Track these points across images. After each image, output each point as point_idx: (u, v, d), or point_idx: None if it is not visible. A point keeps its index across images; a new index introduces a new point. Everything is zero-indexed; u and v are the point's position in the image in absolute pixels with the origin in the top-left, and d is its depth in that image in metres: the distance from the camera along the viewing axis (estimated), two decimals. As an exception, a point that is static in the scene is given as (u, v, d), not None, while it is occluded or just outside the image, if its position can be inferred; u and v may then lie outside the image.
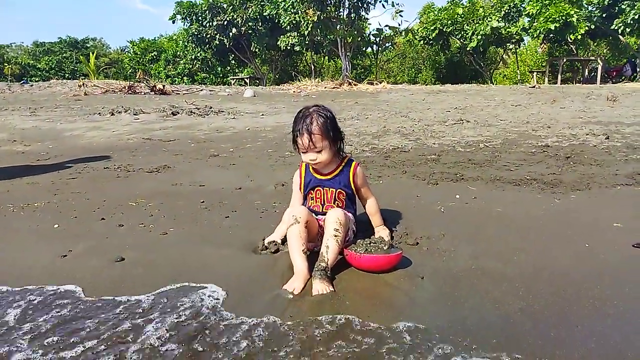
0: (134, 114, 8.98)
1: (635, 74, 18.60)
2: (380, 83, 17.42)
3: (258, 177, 4.09)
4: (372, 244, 2.02)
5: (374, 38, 21.04)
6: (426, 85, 21.59)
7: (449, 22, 22.03)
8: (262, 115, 9.63)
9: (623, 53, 22.53)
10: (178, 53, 31.15)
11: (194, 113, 9.19)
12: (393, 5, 18.16)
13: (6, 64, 47.80)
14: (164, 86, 15.33)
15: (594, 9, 19.27)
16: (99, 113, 9.38)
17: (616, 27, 17.75)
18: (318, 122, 2.15)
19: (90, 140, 6.67)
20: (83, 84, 15.00)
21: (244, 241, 2.38)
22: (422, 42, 24.10)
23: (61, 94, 14.89)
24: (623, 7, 17.38)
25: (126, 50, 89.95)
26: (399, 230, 2.50)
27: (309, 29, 16.23)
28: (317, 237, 2.18)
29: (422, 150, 5.44)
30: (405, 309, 1.67)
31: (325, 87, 17.18)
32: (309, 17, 15.89)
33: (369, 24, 21.25)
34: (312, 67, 23.76)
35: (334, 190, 2.27)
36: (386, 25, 21.17)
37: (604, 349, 1.40)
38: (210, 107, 10.40)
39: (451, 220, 2.67)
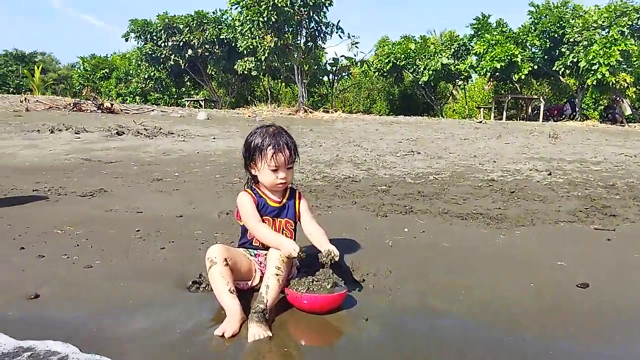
0: (76, 133, 8.51)
1: (574, 113, 19.89)
2: (336, 112, 17.64)
3: (202, 204, 3.90)
4: (314, 282, 1.89)
5: (330, 67, 21.41)
6: (380, 115, 22.10)
7: (403, 56, 22.84)
8: (214, 138, 9.42)
9: (564, 93, 24.10)
10: (130, 71, 30.34)
11: (141, 134, 8.83)
12: (349, 37, 18.60)
13: None
14: (112, 104, 14.76)
15: (537, 50, 20.59)
16: (38, 130, 8.83)
17: (557, 69, 19.01)
18: (292, 138, 2.11)
19: (23, 160, 6.20)
20: (25, 99, 14.17)
21: (178, 276, 2.19)
22: (377, 73, 24.83)
23: (0, 109, 14.00)
24: (563, 50, 18.69)
25: (76, 66, 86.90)
26: (346, 265, 2.39)
27: (266, 54, 16.26)
28: (252, 273, 2.03)
29: (373, 181, 5.43)
30: (348, 357, 1.55)
31: (281, 113, 17.17)
32: (266, 43, 15.94)
33: (326, 52, 21.64)
34: (269, 93, 23.77)
35: (282, 220, 2.14)
36: (342, 56, 21.67)
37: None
38: (160, 129, 10.06)
39: (399, 255, 2.60)
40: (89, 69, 34.11)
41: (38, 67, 22.26)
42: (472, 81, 25.81)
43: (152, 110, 15.60)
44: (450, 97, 27.47)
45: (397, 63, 22.98)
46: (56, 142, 7.67)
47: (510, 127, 14.96)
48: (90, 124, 10.19)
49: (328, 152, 7.83)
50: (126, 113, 14.61)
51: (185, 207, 3.75)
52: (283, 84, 24.91)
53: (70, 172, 5.28)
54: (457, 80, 23.82)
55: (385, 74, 24.01)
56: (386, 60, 22.97)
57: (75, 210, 3.49)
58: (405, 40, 23.70)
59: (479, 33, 20.86)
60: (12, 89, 52.79)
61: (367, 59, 22.30)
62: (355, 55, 20.57)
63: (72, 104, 14.66)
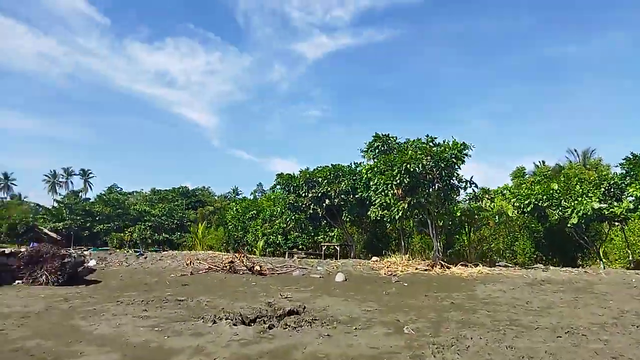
0: (233, 324, 9.39)
1: None
2: (476, 267, 16.89)
3: None
4: None
5: (464, 219, 21.12)
6: (525, 260, 20.51)
7: (544, 197, 21.60)
8: (356, 329, 9.52)
9: None
10: (275, 213, 33.60)
11: (289, 326, 9.38)
12: (484, 192, 18.43)
13: (126, 230, 54.53)
14: (260, 267, 16.24)
15: None
16: (202, 318, 9.96)
17: None
18: None
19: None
20: (191, 262, 16.40)
21: None
22: (516, 211, 23.64)
23: (170, 271, 16.28)
24: None
25: (228, 197, 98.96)
26: None
27: (400, 214, 16.80)
28: None
29: None
30: None
31: (416, 268, 17.00)
32: (400, 204, 16.56)
33: (460, 206, 21.60)
34: (402, 243, 24.05)
35: None
36: (477, 205, 21.31)
37: None
38: (304, 307, 10.63)
39: None
40: (240, 210, 38.63)
41: (200, 223, 25.74)
42: (631, 221, 22.99)
43: (294, 270, 16.70)
44: (607, 238, 24.58)
45: (539, 204, 21.73)
46: (218, 341, 8.52)
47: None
48: (244, 298, 11.20)
49: (475, 358, 7.31)
50: (272, 274, 15.88)
51: None
52: (417, 235, 25.14)
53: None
54: (613, 222, 21.44)
55: (525, 212, 22.75)
56: (526, 202, 21.90)
57: None
58: (546, 180, 22.59)
59: (632, 173, 19.03)
60: (176, 220, 61.65)
61: (504, 204, 21.53)
62: (490, 205, 20.10)
63: (228, 266, 16.50)
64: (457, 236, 23.87)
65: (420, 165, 16.14)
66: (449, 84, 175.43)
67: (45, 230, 59.72)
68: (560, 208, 21.26)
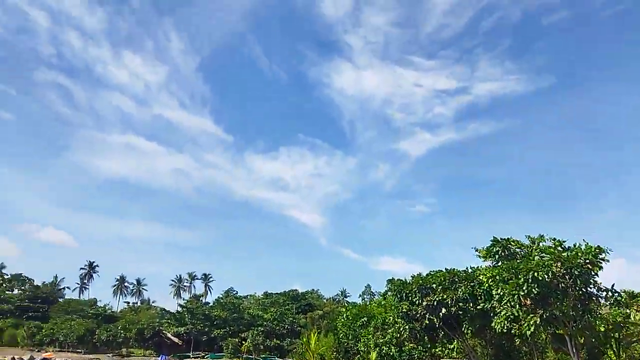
0: None
1: None
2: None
3: None
4: None
5: (612, 334, 18.13)
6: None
7: None
8: None
9: None
10: (387, 321, 32.09)
11: None
12: (629, 297, 15.87)
13: (240, 335, 56.11)
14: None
15: None
16: None
17: None
18: None
19: None
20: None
21: None
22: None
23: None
24: None
25: (337, 300, 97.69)
26: None
27: (532, 329, 14.93)
28: None
29: None
30: None
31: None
32: (531, 317, 14.82)
33: (603, 315, 18.65)
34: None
35: None
36: (623, 312, 18.27)
37: None
38: None
39: None
40: (350, 317, 37.62)
41: (314, 334, 25.38)
42: None
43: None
44: None
45: None
46: None
47: None
48: None
49: None
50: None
51: None
52: (551, 348, 22.03)
53: None
54: None
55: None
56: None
57: None
58: None
59: None
60: (286, 325, 61.67)
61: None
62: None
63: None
64: (604, 354, 20.28)
65: (549, 273, 14.55)
66: (568, 172, 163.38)
67: (169, 335, 63.36)
68: None
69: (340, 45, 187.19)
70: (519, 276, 14.93)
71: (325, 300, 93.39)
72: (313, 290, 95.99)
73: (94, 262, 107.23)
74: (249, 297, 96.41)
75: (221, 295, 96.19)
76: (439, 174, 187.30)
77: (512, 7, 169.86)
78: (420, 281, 24.17)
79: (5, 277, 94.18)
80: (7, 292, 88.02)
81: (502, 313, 16.34)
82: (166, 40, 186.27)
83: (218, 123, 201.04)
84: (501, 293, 15.50)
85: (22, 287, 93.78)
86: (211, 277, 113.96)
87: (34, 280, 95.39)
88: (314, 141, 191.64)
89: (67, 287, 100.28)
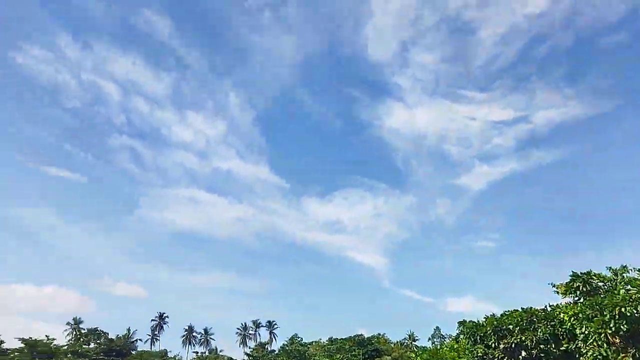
0: None
1: None
2: None
3: None
4: None
5: None
6: None
7: None
8: None
9: None
10: (461, 367, 30.49)
11: None
12: None
13: None
14: None
15: None
16: None
17: None
18: None
19: None
20: None
21: None
22: None
23: None
24: None
25: (405, 344, 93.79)
26: None
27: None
28: None
29: None
30: None
31: None
32: (622, 357, 13.74)
33: None
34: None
35: None
36: None
37: None
38: None
39: None
40: (422, 363, 36.05)
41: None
42: None
43: None
44: None
45: None
46: None
47: None
48: None
49: None
50: None
51: None
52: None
53: None
54: None
55: None
56: None
57: None
58: None
59: None
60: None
61: None
62: None
63: None
64: None
65: (638, 308, 13.54)
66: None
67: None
68: None
69: (390, 87, 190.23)
70: (605, 312, 13.99)
71: (392, 345, 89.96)
72: (379, 334, 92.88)
73: (163, 313, 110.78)
74: (313, 343, 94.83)
75: (286, 342, 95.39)
76: (502, 206, 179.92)
77: (563, 34, 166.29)
78: (495, 322, 23.04)
79: (83, 331, 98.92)
80: (84, 346, 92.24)
81: (589, 354, 15.22)
82: (225, 98, 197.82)
83: (274, 171, 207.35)
84: (586, 332, 14.52)
85: (98, 341, 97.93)
86: (275, 323, 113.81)
87: (108, 334, 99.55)
88: (370, 182, 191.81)
89: (140, 339, 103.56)
